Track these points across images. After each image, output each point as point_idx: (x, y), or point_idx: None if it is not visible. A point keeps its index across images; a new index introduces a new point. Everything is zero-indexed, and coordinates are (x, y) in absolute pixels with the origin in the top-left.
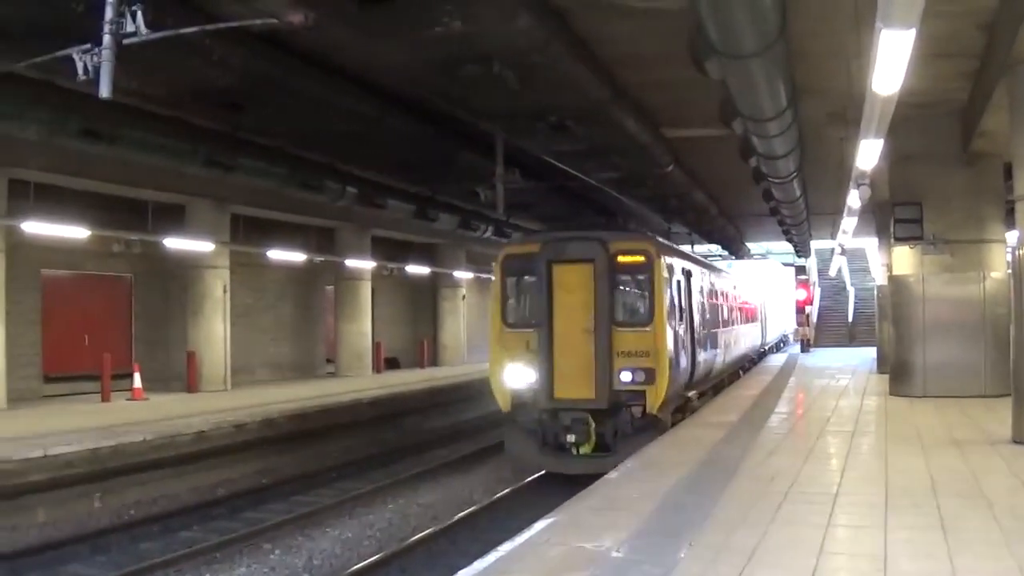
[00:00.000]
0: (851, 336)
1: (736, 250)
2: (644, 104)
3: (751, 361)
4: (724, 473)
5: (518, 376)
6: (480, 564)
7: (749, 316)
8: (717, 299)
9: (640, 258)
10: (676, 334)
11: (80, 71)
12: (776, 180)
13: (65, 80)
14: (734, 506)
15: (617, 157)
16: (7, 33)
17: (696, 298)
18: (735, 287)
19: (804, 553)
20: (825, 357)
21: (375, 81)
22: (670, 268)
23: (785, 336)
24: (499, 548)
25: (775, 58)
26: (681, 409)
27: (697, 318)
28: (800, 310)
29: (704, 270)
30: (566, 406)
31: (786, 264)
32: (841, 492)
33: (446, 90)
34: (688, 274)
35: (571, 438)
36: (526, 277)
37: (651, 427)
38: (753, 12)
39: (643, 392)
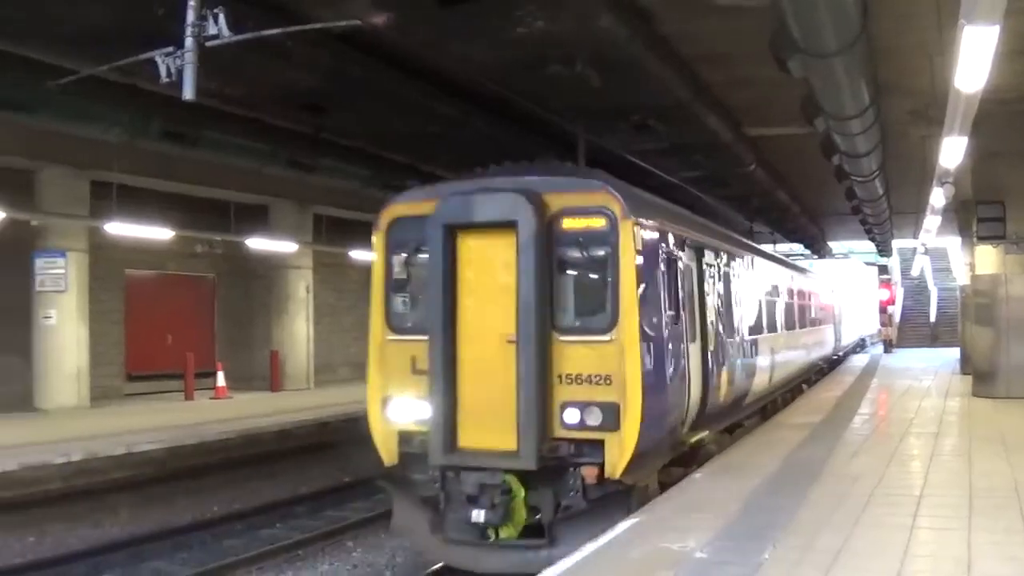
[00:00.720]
0: (934, 336)
1: (818, 249)
2: (726, 102)
3: (819, 372)
4: (808, 474)
5: (405, 411)
6: (564, 564)
7: (817, 318)
8: (760, 294)
9: (597, 221)
10: (663, 347)
11: (163, 74)
12: (858, 179)
13: (147, 83)
14: (818, 508)
15: (699, 156)
16: (90, 36)
17: (715, 290)
18: (793, 280)
19: (888, 555)
20: (907, 358)
21: (457, 81)
22: (653, 240)
23: (863, 339)
24: (583, 548)
25: (857, 56)
26: (684, 460)
27: (716, 320)
28: (883, 310)
29: (733, 250)
30: (473, 462)
31: (868, 263)
32: (925, 494)
33: (528, 90)
34: (697, 251)
35: (478, 515)
36: (420, 254)
37: (616, 502)
38: (835, 10)
39: (600, 443)
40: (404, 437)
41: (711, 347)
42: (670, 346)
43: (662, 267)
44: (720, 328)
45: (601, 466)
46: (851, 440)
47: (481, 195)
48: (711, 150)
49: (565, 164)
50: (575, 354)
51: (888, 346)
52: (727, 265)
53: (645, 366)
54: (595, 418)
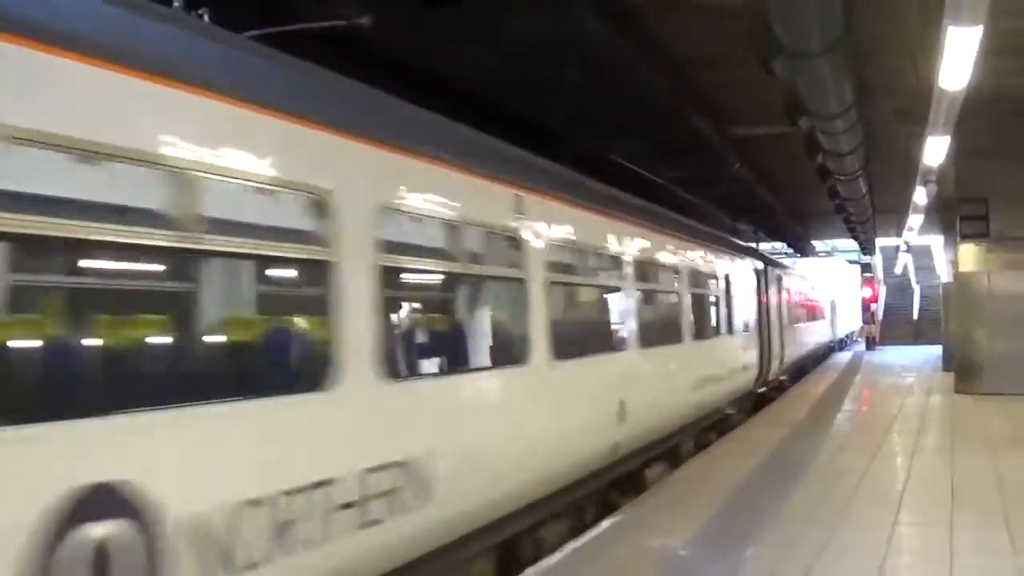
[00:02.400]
0: (916, 334)
1: (802, 248)
2: (711, 103)
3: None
4: (791, 471)
5: None
6: (548, 561)
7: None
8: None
9: None
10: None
11: None
12: (842, 177)
13: None
14: (801, 504)
15: (684, 156)
16: None
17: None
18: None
19: (871, 552)
20: (891, 355)
21: (440, 82)
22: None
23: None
24: (566, 546)
25: (841, 56)
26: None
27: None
28: (866, 307)
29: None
30: None
31: (851, 262)
32: (907, 490)
33: (513, 90)
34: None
35: None
36: None
37: None
38: (820, 10)
39: None
40: None
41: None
42: None
43: None
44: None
45: None
46: (834, 436)
47: None
48: (696, 151)
49: None
50: None
51: (871, 343)
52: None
53: None
54: None
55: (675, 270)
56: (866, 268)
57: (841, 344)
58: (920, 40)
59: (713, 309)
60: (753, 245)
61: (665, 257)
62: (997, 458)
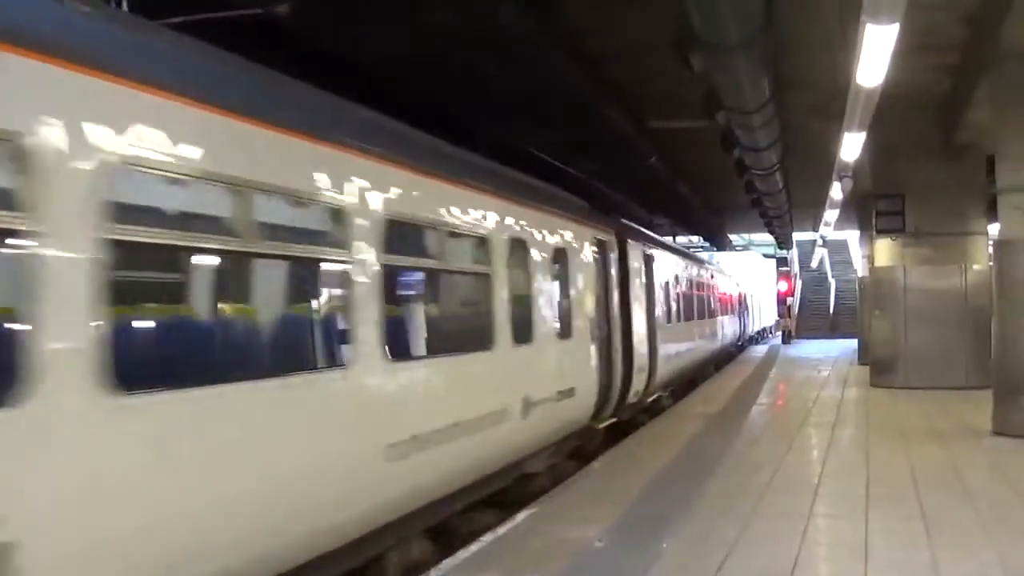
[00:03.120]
0: (833, 327)
1: (718, 242)
2: (629, 96)
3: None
4: (706, 464)
5: None
6: (463, 554)
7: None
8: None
9: None
10: None
11: None
12: (758, 172)
13: None
14: (716, 497)
15: (601, 148)
16: None
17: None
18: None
19: (786, 543)
20: (807, 348)
21: (356, 70)
22: None
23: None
24: (482, 538)
25: (759, 50)
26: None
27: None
28: (782, 301)
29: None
30: None
31: (768, 255)
32: (822, 483)
33: (430, 80)
34: None
35: None
36: None
37: None
38: (738, 4)
39: None
40: None
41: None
42: None
43: None
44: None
45: None
46: (750, 430)
47: None
48: (612, 143)
49: None
50: None
51: (787, 336)
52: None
53: None
54: None
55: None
56: (783, 262)
57: (756, 339)
58: (838, 36)
59: (491, 302)
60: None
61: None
62: (911, 450)
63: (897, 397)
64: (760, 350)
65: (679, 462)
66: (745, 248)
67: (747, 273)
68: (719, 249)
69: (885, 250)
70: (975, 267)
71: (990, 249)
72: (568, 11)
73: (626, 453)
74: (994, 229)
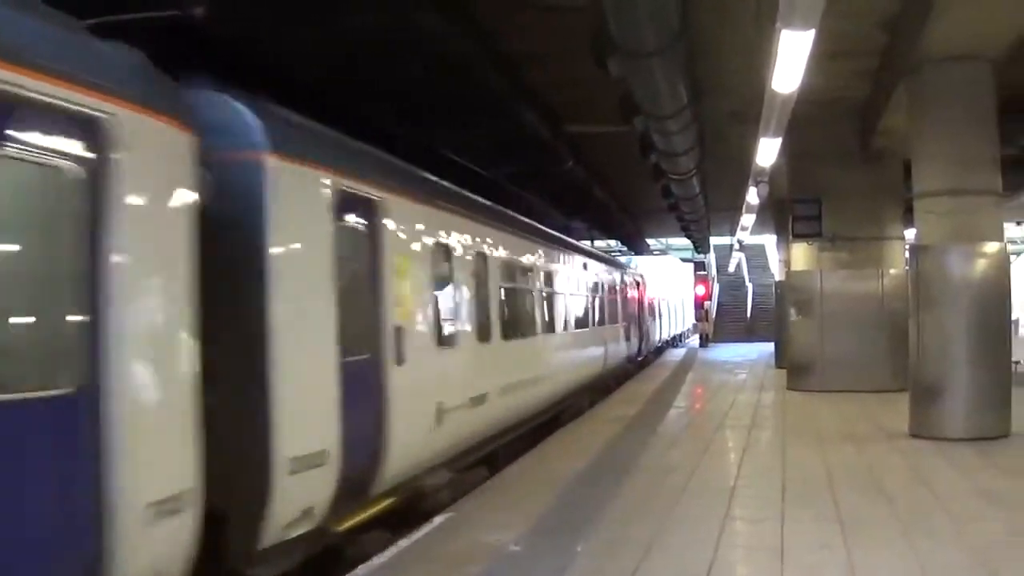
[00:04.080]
0: (750, 331)
1: (636, 246)
2: (546, 100)
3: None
4: (622, 467)
5: None
6: (379, 559)
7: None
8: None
9: None
10: None
11: None
12: (676, 177)
13: None
14: (632, 500)
15: (518, 152)
16: None
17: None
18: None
19: (701, 546)
20: (724, 352)
21: (271, 72)
22: None
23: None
24: (398, 543)
25: (676, 56)
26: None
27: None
28: (699, 305)
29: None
30: None
31: (685, 260)
32: (738, 485)
33: (347, 82)
34: None
35: None
36: None
37: None
38: (655, 10)
39: None
40: None
41: None
42: None
43: None
44: None
45: None
46: (666, 433)
47: None
48: (529, 147)
49: None
50: None
51: (705, 340)
52: None
53: None
54: None
55: None
56: (700, 266)
57: (668, 345)
58: (754, 42)
59: None
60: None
61: None
62: (828, 453)
63: (814, 400)
64: (677, 354)
65: (594, 466)
66: (663, 252)
67: (654, 276)
68: (637, 253)
69: (802, 254)
70: (892, 271)
71: (907, 253)
72: (486, 14)
73: (541, 458)
74: (911, 234)
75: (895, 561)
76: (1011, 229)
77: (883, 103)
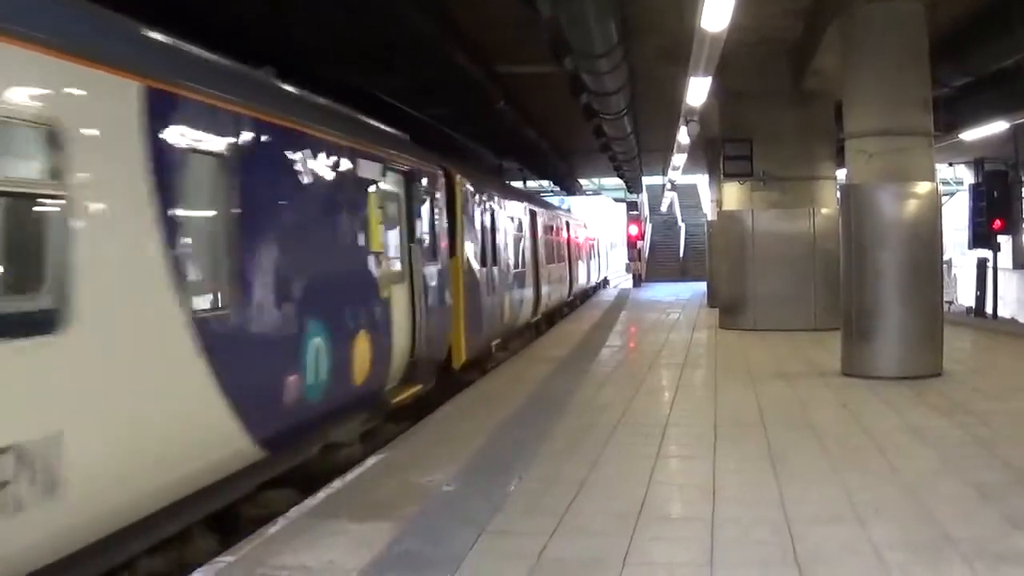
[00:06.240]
0: (683, 271)
1: (568, 186)
2: (476, 40)
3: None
4: (555, 407)
5: None
6: (311, 501)
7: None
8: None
9: None
10: None
11: None
12: (607, 117)
13: None
14: (564, 439)
15: (448, 93)
16: None
17: None
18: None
19: (633, 483)
20: (657, 291)
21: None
22: None
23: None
24: (330, 484)
25: None
26: None
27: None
28: (632, 245)
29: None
30: None
31: (618, 199)
32: (671, 423)
33: (277, 24)
34: None
35: None
36: None
37: None
38: None
39: None
40: None
41: None
42: None
43: None
44: None
45: None
46: (598, 372)
47: None
48: (458, 88)
49: None
50: None
51: (638, 280)
52: None
53: None
54: None
55: None
56: (632, 206)
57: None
58: None
59: None
60: None
61: None
62: (760, 391)
63: (746, 339)
64: (611, 293)
65: (527, 405)
66: (596, 193)
67: (567, 218)
68: (570, 193)
69: (734, 194)
70: (824, 211)
71: (838, 193)
72: None
73: (473, 398)
74: (842, 174)
75: (826, 496)
76: (944, 170)
77: (815, 43)
